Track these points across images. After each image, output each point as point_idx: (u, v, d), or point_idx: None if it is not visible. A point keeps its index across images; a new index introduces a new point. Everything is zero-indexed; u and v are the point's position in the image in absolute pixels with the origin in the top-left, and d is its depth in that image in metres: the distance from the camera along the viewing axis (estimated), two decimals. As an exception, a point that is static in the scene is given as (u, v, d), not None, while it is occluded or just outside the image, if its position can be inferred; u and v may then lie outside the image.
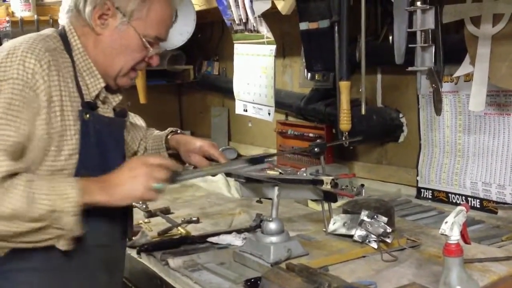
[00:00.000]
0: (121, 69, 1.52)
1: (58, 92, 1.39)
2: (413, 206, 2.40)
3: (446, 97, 2.34)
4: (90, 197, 1.35)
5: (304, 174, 2.29)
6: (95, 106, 1.49)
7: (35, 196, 1.28)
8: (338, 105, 2.27)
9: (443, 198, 2.42)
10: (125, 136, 1.68)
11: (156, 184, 1.41)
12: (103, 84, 1.51)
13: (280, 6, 2.49)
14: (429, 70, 1.96)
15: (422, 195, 2.51)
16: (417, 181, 2.54)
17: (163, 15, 1.52)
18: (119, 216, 1.57)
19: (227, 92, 3.37)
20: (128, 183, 1.39)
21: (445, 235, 1.35)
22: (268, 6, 2.54)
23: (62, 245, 1.36)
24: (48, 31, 1.52)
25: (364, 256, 1.75)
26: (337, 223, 1.92)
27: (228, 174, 1.99)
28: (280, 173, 2.73)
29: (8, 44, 1.43)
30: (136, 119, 1.93)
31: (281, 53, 3.20)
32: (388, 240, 1.76)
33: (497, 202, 2.21)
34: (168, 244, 1.95)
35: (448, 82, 2.33)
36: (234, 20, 2.79)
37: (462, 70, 2.12)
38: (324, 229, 1.95)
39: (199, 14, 2.97)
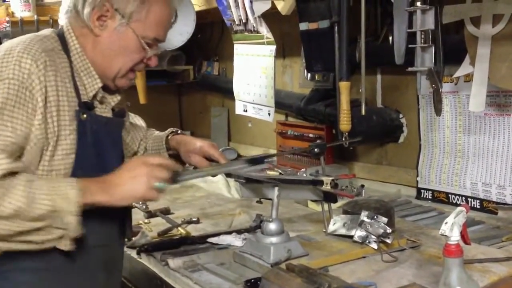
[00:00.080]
0: (119, 70, 1.52)
1: (54, 92, 1.39)
2: (413, 206, 2.40)
3: (446, 98, 2.34)
4: (91, 197, 1.35)
5: (304, 175, 2.29)
6: (92, 106, 1.50)
7: (35, 196, 1.28)
8: (338, 106, 2.27)
9: (443, 198, 2.42)
10: (124, 136, 1.68)
11: (157, 184, 1.41)
12: (100, 84, 1.51)
13: (280, 6, 2.49)
14: (429, 70, 1.96)
15: (422, 196, 2.50)
16: (417, 181, 2.54)
17: (162, 17, 1.52)
18: (117, 217, 1.57)
19: (227, 92, 3.37)
20: (129, 183, 1.39)
21: (445, 235, 1.35)
22: (268, 6, 2.54)
23: (63, 245, 1.35)
24: (46, 31, 1.52)
25: (364, 257, 1.75)
26: (337, 224, 1.92)
27: (228, 175, 1.99)
28: (280, 173, 2.73)
29: (5, 44, 1.43)
30: (136, 120, 1.93)
31: (281, 54, 3.20)
32: (388, 241, 1.76)
33: (497, 203, 2.21)
34: (168, 245, 1.95)
35: (448, 82, 2.33)
36: (234, 21, 2.79)
37: (462, 70, 2.12)
38: (324, 230, 1.96)
39: (199, 14, 2.97)
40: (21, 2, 3.34)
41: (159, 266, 1.83)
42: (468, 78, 2.19)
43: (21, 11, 3.34)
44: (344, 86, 2.24)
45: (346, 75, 2.24)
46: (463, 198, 2.34)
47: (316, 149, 1.90)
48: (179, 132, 1.89)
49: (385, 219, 1.80)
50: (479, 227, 2.06)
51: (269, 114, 2.76)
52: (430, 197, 2.47)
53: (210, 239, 1.97)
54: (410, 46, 1.96)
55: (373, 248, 1.77)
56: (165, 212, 2.44)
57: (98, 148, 1.48)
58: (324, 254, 1.76)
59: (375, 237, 1.77)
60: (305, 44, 2.53)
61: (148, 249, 1.92)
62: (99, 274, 1.54)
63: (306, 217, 2.30)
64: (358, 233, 1.81)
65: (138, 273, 1.95)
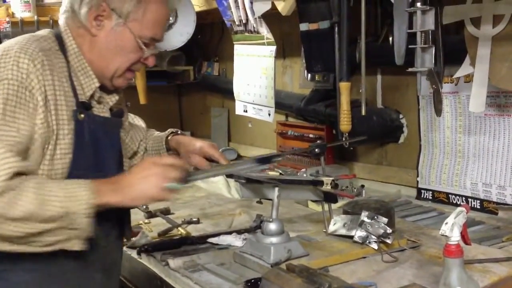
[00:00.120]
0: (116, 70, 1.51)
1: (52, 91, 1.39)
2: (413, 207, 2.40)
3: (446, 98, 2.35)
4: (102, 198, 1.35)
5: (304, 175, 2.29)
6: (90, 106, 1.49)
7: (46, 198, 1.28)
8: (338, 106, 2.27)
9: (443, 199, 2.42)
10: (124, 136, 1.68)
11: (168, 184, 1.41)
12: (97, 84, 1.51)
13: (280, 7, 2.49)
14: (429, 71, 1.96)
15: (422, 196, 2.50)
16: (417, 182, 2.54)
17: (159, 16, 1.52)
18: (116, 217, 1.57)
19: (227, 92, 3.37)
20: (141, 184, 1.39)
21: (445, 236, 1.35)
22: (268, 7, 2.54)
23: (75, 246, 1.35)
24: (43, 32, 1.52)
25: (364, 257, 1.75)
26: (337, 224, 1.92)
27: (228, 175, 1.99)
28: (280, 173, 2.74)
29: (2, 45, 1.43)
30: (136, 120, 1.93)
31: (281, 54, 3.20)
32: (388, 241, 1.76)
33: (497, 203, 2.21)
34: (168, 245, 1.95)
35: (448, 83, 2.33)
36: (234, 21, 2.79)
37: (462, 71, 2.12)
38: (324, 230, 1.96)
39: (199, 15, 2.97)
40: (21, 3, 3.34)
41: (159, 266, 1.83)
42: (468, 78, 2.19)
43: (21, 12, 3.34)
44: (344, 87, 2.24)
45: (346, 75, 2.24)
46: (463, 198, 2.34)
47: (316, 150, 1.90)
48: (179, 132, 1.89)
49: (385, 220, 1.80)
50: (479, 228, 2.06)
51: (269, 114, 2.76)
52: (430, 198, 2.47)
53: (210, 239, 1.97)
54: (410, 46, 1.96)
55: (373, 248, 1.77)
56: (165, 212, 2.44)
57: (96, 148, 1.47)
58: (325, 254, 1.76)
59: (375, 237, 1.77)
60: (305, 44, 2.53)
61: (148, 249, 1.92)
62: (97, 275, 1.54)
63: (306, 217, 2.30)
64: (358, 233, 1.81)
65: (138, 273, 1.95)
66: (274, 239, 1.72)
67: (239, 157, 3.76)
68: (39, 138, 1.35)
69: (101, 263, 1.54)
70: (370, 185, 2.74)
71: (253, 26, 2.68)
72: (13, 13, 3.36)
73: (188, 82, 4.14)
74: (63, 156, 1.40)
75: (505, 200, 2.19)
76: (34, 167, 1.36)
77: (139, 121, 1.93)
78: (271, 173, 2.73)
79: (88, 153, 1.46)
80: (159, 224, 2.29)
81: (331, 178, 1.77)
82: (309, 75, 2.89)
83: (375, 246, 1.76)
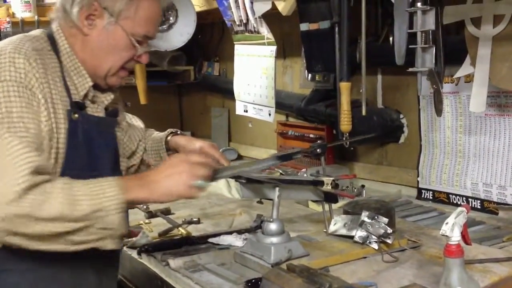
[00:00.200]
0: (110, 68, 1.51)
1: (48, 89, 1.39)
2: (414, 207, 2.40)
3: (446, 98, 2.35)
4: (131, 194, 1.35)
5: (305, 175, 2.29)
6: (84, 106, 1.49)
7: (76, 198, 1.28)
8: (338, 106, 2.28)
9: (443, 199, 2.42)
10: (122, 136, 1.67)
11: (197, 182, 1.41)
12: (90, 83, 1.50)
13: (280, 7, 2.49)
14: (430, 71, 1.96)
15: (422, 196, 2.50)
16: (418, 182, 2.54)
17: (151, 13, 1.51)
18: None
19: (228, 93, 3.37)
20: (169, 180, 1.40)
21: (446, 236, 1.35)
22: (268, 7, 2.54)
23: (109, 245, 1.36)
24: (35, 32, 1.51)
25: (364, 257, 1.75)
26: (337, 224, 1.92)
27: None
28: (281, 174, 2.73)
29: None
30: (134, 120, 1.92)
31: (281, 54, 3.20)
32: (389, 241, 1.76)
33: (497, 203, 2.21)
34: (169, 245, 1.95)
35: (448, 83, 2.33)
36: (234, 21, 2.79)
37: (463, 71, 2.12)
38: (325, 230, 1.96)
39: (200, 15, 2.97)
40: (21, 3, 3.34)
41: (159, 266, 1.83)
42: (469, 78, 2.19)
43: (22, 12, 3.34)
44: (344, 87, 2.24)
45: (346, 75, 2.24)
46: (464, 198, 2.34)
47: (317, 150, 1.90)
48: (178, 132, 1.89)
49: (385, 220, 1.80)
50: (480, 227, 2.06)
51: (269, 114, 2.76)
52: (430, 198, 2.47)
53: (211, 239, 1.97)
54: (410, 46, 1.96)
55: (373, 248, 1.77)
56: (166, 212, 2.43)
57: (89, 148, 1.47)
58: (325, 254, 1.76)
59: (375, 238, 1.77)
60: (306, 44, 2.53)
61: (149, 249, 1.92)
62: (92, 276, 1.54)
63: (306, 217, 2.30)
64: (358, 234, 1.81)
65: (138, 274, 1.95)
66: (274, 239, 1.72)
67: (239, 157, 3.76)
68: (46, 136, 1.35)
69: (96, 263, 1.53)
70: (371, 185, 2.74)
71: (254, 26, 2.68)
72: (13, 13, 3.37)
73: (188, 82, 4.14)
74: (57, 156, 1.40)
75: (506, 200, 2.19)
76: (49, 165, 1.35)
77: (137, 121, 1.92)
78: (272, 173, 2.73)
79: (82, 153, 1.45)
80: (159, 224, 2.29)
81: (331, 178, 1.77)
82: (310, 75, 2.89)
83: (375, 246, 1.76)
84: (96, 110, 1.54)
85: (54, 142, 1.38)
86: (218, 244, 1.93)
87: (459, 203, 2.35)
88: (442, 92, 2.04)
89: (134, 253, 1.95)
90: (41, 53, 1.42)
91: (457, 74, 2.17)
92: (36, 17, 3.31)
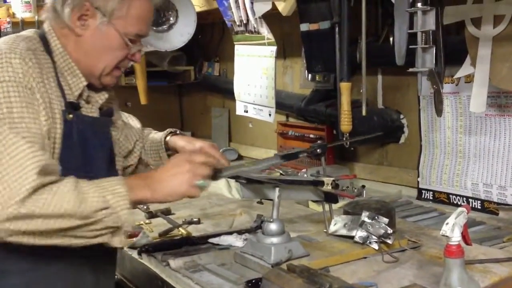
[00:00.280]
0: (104, 68, 1.51)
1: (44, 89, 1.38)
2: (414, 207, 2.40)
3: (447, 98, 2.34)
4: (137, 193, 1.36)
5: (305, 175, 2.30)
6: (78, 106, 1.48)
7: (85, 196, 1.29)
8: (338, 106, 2.28)
9: (444, 199, 2.42)
10: (117, 135, 1.66)
11: (199, 181, 1.42)
12: (85, 83, 1.50)
13: (280, 7, 2.49)
14: (430, 71, 1.96)
15: (423, 196, 2.50)
16: (418, 182, 2.53)
17: (143, 12, 1.50)
18: None
19: (228, 93, 3.37)
20: (172, 180, 1.41)
21: (446, 236, 1.35)
22: (268, 7, 2.54)
23: (116, 242, 1.36)
24: (28, 32, 1.50)
25: (365, 257, 1.75)
26: (338, 224, 1.92)
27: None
28: (281, 174, 2.73)
29: None
30: (130, 119, 1.90)
31: (281, 54, 3.20)
32: (389, 241, 1.76)
33: (498, 203, 2.21)
34: (169, 245, 1.95)
35: (449, 83, 2.33)
36: (234, 21, 2.79)
37: (463, 71, 2.12)
38: (325, 230, 1.96)
39: (200, 15, 2.97)
40: (22, 3, 3.34)
41: (160, 266, 1.83)
42: (469, 79, 2.19)
43: (22, 12, 3.34)
44: (344, 87, 2.24)
45: (346, 75, 2.24)
46: (464, 198, 2.34)
47: (317, 150, 1.90)
48: (178, 132, 1.88)
49: (386, 220, 1.80)
50: (480, 228, 2.06)
51: (269, 114, 2.76)
52: (431, 198, 2.47)
53: (211, 240, 1.97)
54: (411, 46, 1.96)
55: (374, 248, 1.77)
56: (166, 212, 2.43)
57: (84, 149, 1.46)
58: (325, 254, 1.76)
59: (376, 238, 1.77)
60: (306, 44, 2.53)
61: (149, 249, 1.92)
62: (88, 277, 1.53)
63: (307, 218, 2.30)
64: (359, 234, 1.81)
65: (139, 274, 1.95)
66: (274, 240, 1.72)
67: (239, 157, 3.76)
68: (46, 135, 1.35)
69: (94, 262, 1.53)
70: (371, 186, 2.74)
71: (254, 26, 2.68)
72: (13, 13, 3.37)
73: (188, 82, 4.14)
74: (53, 157, 1.40)
75: (506, 200, 2.19)
76: (55, 163, 1.36)
77: (133, 121, 1.90)
78: (272, 173, 2.73)
79: (77, 153, 1.45)
80: (159, 224, 2.29)
81: (331, 179, 1.77)
82: (310, 75, 2.89)
83: (375, 246, 1.76)
84: (90, 110, 1.53)
85: (51, 143, 1.38)
86: (218, 245, 1.94)
87: (459, 203, 2.34)
88: (442, 92, 2.04)
89: (134, 253, 1.96)
90: (35, 53, 1.41)
91: (458, 74, 2.17)
92: (36, 17, 3.31)
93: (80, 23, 1.46)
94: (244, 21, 2.71)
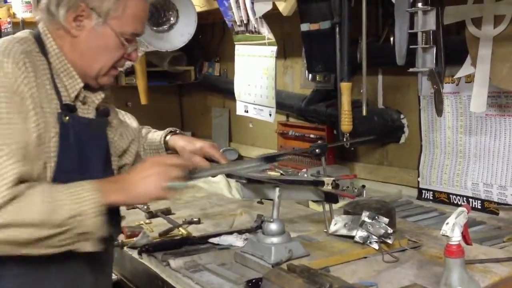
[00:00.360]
0: (101, 68, 1.50)
1: (37, 93, 1.37)
2: (414, 207, 2.40)
3: (447, 98, 2.34)
4: (107, 197, 1.35)
5: (305, 175, 2.30)
6: (74, 108, 1.47)
7: (54, 203, 1.29)
8: (339, 106, 2.28)
9: (444, 199, 2.42)
10: (112, 134, 1.65)
11: (170, 183, 1.41)
12: (81, 84, 1.49)
13: (281, 7, 2.49)
14: (430, 71, 1.96)
15: (423, 196, 2.50)
16: (418, 182, 2.53)
17: (138, 11, 1.49)
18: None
19: (228, 93, 3.37)
20: (142, 183, 1.40)
21: (446, 236, 1.35)
22: (269, 7, 2.54)
23: (87, 247, 1.35)
24: (22, 33, 1.49)
25: (365, 257, 1.75)
26: (338, 224, 1.92)
27: (229, 175, 1.99)
28: (281, 174, 2.74)
29: None
30: (126, 117, 1.88)
31: (282, 54, 3.20)
32: (389, 241, 1.76)
33: (498, 203, 2.21)
34: (169, 245, 1.95)
35: (449, 83, 2.33)
36: (235, 21, 2.79)
37: (463, 71, 2.13)
38: (325, 230, 1.96)
39: (200, 15, 2.97)
40: (22, 3, 3.34)
41: (160, 266, 1.83)
42: (470, 78, 2.19)
43: (23, 12, 3.34)
44: (345, 87, 2.24)
45: (347, 75, 2.24)
46: (464, 198, 2.34)
47: (317, 150, 1.90)
48: (177, 131, 1.88)
49: (386, 220, 1.80)
50: (480, 228, 2.06)
51: (270, 114, 2.76)
52: (431, 198, 2.47)
53: (211, 240, 1.97)
54: (411, 47, 1.96)
55: (374, 248, 1.77)
56: (166, 212, 2.44)
57: (80, 151, 1.46)
58: (325, 254, 1.76)
59: (376, 238, 1.77)
60: (306, 44, 2.53)
61: (149, 249, 1.92)
62: (86, 277, 1.53)
63: (307, 218, 2.30)
64: (359, 234, 1.81)
65: (139, 274, 1.95)
66: (275, 239, 1.72)
67: (240, 157, 3.76)
68: (34, 142, 1.34)
69: (90, 264, 1.52)
70: (371, 185, 2.74)
71: (254, 26, 2.68)
72: (14, 14, 3.37)
73: (189, 82, 4.14)
74: (49, 160, 1.39)
75: (506, 200, 2.19)
76: (35, 171, 1.35)
77: (129, 119, 1.88)
78: (272, 173, 2.73)
79: (73, 155, 1.44)
80: (160, 224, 2.29)
81: (332, 179, 1.77)
82: (310, 75, 2.88)
83: (376, 246, 1.76)
84: (87, 111, 1.52)
85: (45, 147, 1.37)
86: (218, 244, 1.94)
87: (459, 203, 2.35)
88: (442, 92, 2.04)
89: (134, 253, 1.96)
90: (30, 55, 1.39)
91: (458, 74, 2.17)
92: (36, 18, 3.30)
93: (76, 24, 1.44)
94: (245, 21, 2.71)
